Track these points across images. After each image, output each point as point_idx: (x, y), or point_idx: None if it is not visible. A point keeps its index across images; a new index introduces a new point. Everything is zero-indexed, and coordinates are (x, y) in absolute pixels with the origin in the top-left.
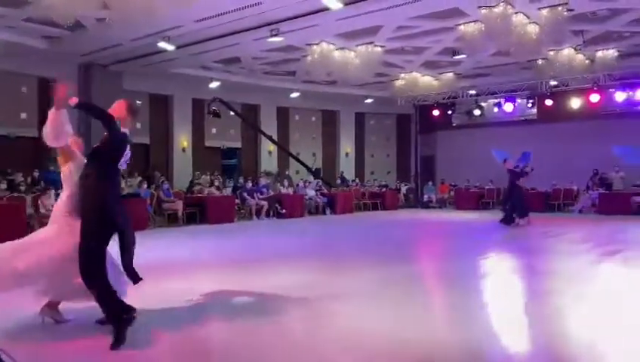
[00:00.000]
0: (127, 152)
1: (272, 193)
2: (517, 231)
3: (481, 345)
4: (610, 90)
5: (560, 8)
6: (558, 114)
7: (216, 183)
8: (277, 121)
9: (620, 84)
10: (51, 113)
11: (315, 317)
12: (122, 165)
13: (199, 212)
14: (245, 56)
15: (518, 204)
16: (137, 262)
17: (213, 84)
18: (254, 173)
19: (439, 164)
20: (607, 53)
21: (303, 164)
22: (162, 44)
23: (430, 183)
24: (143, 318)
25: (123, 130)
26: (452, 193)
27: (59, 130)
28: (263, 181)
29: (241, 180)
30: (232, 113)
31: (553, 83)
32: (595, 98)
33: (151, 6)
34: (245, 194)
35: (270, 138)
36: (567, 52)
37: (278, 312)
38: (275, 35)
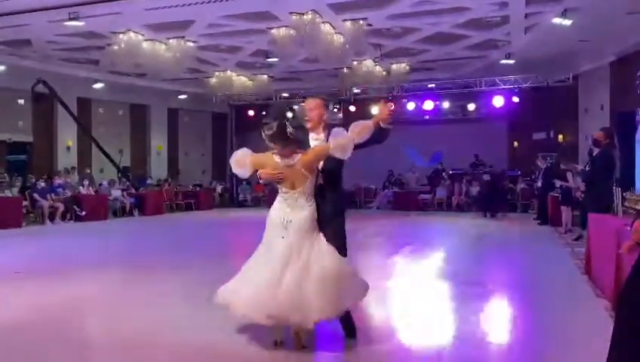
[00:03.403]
0: None
1: (69, 193)
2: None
3: None
4: (403, 100)
5: (361, 22)
6: (360, 119)
7: None
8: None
9: (410, 95)
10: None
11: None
12: None
13: None
14: (38, 39)
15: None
16: None
17: None
18: (49, 170)
19: None
20: (400, 66)
21: (112, 161)
22: None
23: (245, 182)
24: None
25: None
26: (267, 191)
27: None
28: (58, 180)
29: (33, 179)
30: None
31: (356, 91)
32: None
33: None
34: (36, 195)
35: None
36: (367, 63)
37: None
38: (75, 19)
